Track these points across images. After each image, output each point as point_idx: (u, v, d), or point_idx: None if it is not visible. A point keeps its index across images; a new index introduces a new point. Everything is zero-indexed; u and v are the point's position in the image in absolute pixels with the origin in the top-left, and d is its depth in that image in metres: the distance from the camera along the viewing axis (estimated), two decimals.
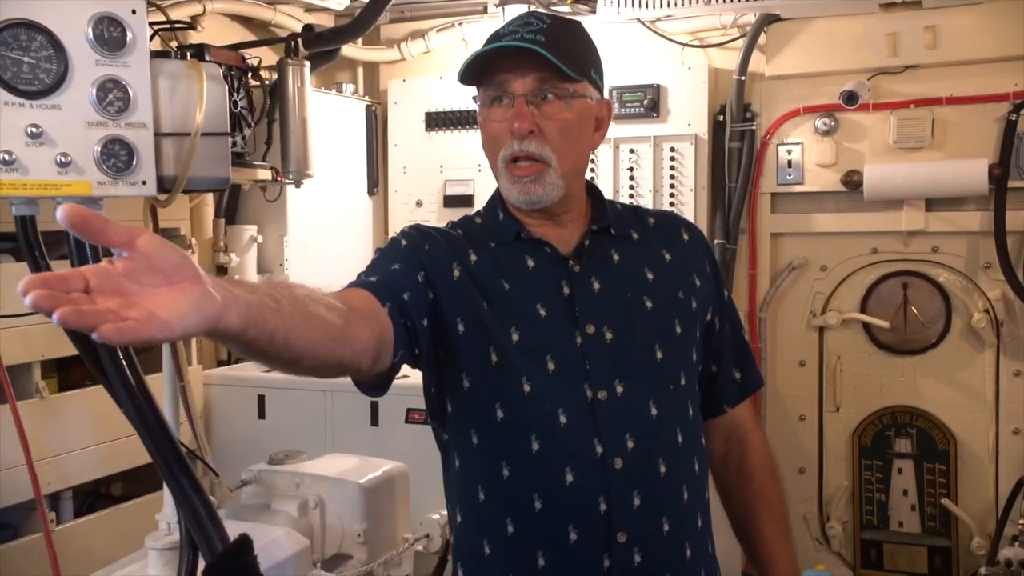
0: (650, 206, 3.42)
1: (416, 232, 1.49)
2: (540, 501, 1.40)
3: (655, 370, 1.45)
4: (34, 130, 1.37)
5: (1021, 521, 2.98)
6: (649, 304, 1.47)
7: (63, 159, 1.39)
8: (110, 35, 1.43)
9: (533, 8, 3.48)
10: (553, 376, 1.40)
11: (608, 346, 1.43)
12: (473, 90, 1.49)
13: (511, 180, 1.44)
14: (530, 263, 1.47)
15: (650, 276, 1.50)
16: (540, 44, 1.38)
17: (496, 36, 1.44)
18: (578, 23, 1.51)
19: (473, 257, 1.47)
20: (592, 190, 1.57)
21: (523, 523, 1.42)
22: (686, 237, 1.58)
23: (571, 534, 1.39)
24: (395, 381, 1.36)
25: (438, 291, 1.40)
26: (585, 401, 1.40)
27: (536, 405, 1.40)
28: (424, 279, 1.40)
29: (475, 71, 1.44)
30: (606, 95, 1.56)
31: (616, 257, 1.50)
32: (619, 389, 1.41)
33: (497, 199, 1.53)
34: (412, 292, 1.37)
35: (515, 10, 3.39)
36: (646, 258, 1.52)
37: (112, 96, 1.43)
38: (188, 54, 1.89)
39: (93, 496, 2.92)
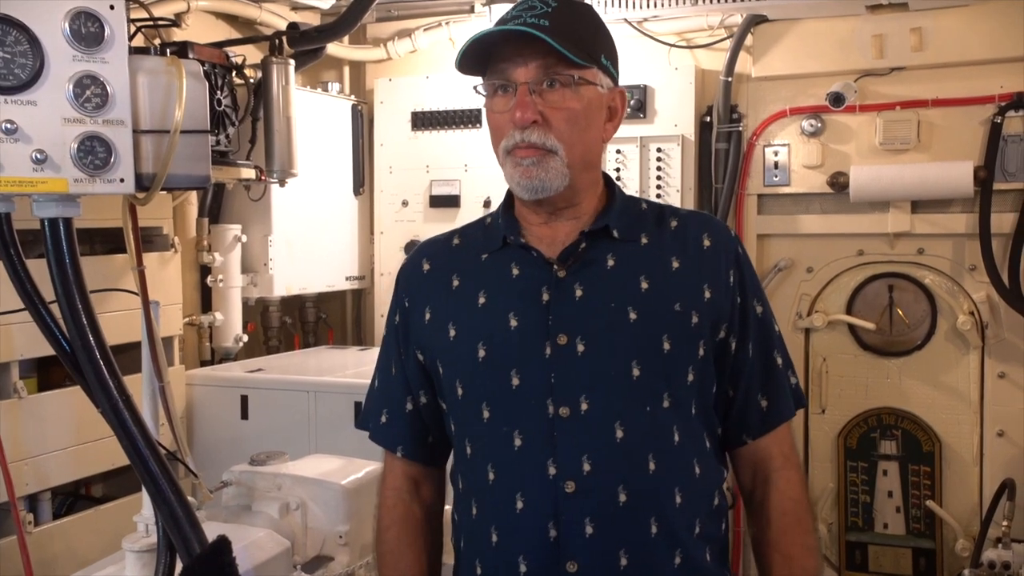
0: None
1: (402, 286, 1.53)
2: (496, 534, 1.36)
3: (629, 388, 1.33)
4: (8, 126, 1.35)
5: (1005, 523, 2.98)
6: (633, 316, 1.35)
7: (39, 156, 1.37)
8: (87, 30, 1.40)
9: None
10: (515, 392, 1.35)
11: (579, 359, 1.33)
12: (465, 85, 1.43)
13: (514, 165, 1.35)
14: (515, 270, 1.40)
15: (644, 285, 1.37)
16: (543, 29, 1.29)
17: (500, 22, 1.36)
18: (587, 6, 1.41)
19: (455, 282, 1.45)
20: (609, 186, 1.47)
21: (485, 560, 1.38)
22: (707, 243, 1.42)
23: (521, 565, 1.33)
24: None
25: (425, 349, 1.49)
26: (545, 418, 1.32)
27: (494, 431, 1.36)
28: (419, 350, 1.49)
29: (476, 60, 1.36)
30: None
31: (611, 263, 1.38)
32: (584, 406, 1.32)
33: (506, 198, 1.47)
34: (414, 389, 1.51)
35: (502, 9, 3.37)
36: (646, 265, 1.39)
37: (89, 92, 1.41)
38: (168, 51, 1.87)
39: (73, 497, 2.89)
